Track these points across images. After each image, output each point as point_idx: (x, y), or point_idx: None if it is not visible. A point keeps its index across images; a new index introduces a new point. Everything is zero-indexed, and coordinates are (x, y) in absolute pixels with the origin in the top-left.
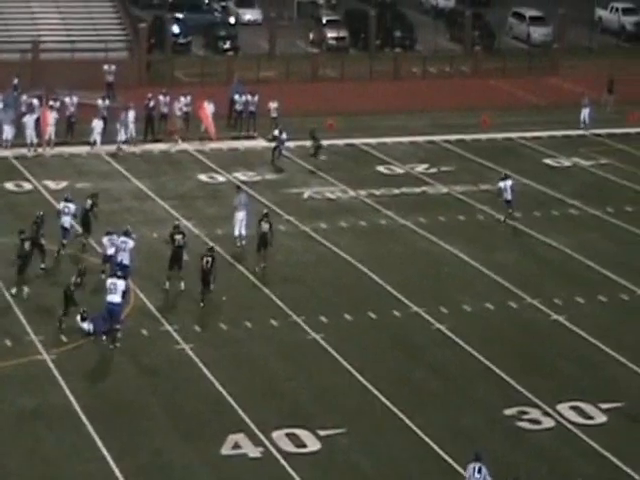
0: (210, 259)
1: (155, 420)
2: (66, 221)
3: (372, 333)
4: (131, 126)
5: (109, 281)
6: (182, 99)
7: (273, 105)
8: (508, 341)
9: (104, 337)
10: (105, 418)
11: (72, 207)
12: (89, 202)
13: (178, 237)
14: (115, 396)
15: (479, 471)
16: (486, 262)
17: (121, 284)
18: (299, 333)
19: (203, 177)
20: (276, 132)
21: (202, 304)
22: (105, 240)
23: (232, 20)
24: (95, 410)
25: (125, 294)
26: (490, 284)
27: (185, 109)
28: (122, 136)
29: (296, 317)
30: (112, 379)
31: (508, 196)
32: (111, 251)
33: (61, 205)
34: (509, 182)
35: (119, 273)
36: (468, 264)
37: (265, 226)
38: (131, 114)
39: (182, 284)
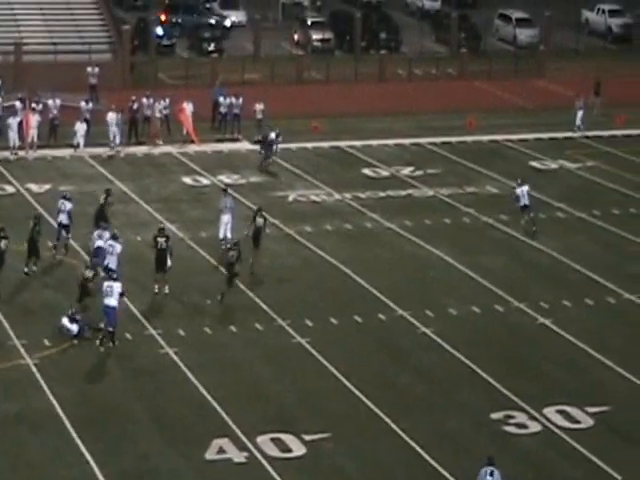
0: (236, 253)
1: (139, 424)
2: (63, 218)
3: (357, 337)
4: (109, 129)
5: (105, 284)
6: (161, 102)
7: (259, 107)
8: (494, 345)
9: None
10: (89, 422)
11: (68, 205)
12: (103, 197)
13: (161, 240)
14: (99, 400)
15: (491, 474)
16: (472, 265)
17: (117, 286)
18: (284, 337)
19: (187, 180)
20: (272, 135)
21: (219, 298)
22: (95, 233)
23: (228, 23)
24: (79, 414)
25: (122, 296)
26: (476, 287)
27: (165, 112)
28: (117, 139)
29: (281, 321)
30: (96, 383)
31: (526, 202)
32: (99, 243)
33: (59, 203)
34: (525, 187)
35: (115, 275)
36: (454, 267)
37: (260, 220)
38: (110, 117)
39: (166, 288)
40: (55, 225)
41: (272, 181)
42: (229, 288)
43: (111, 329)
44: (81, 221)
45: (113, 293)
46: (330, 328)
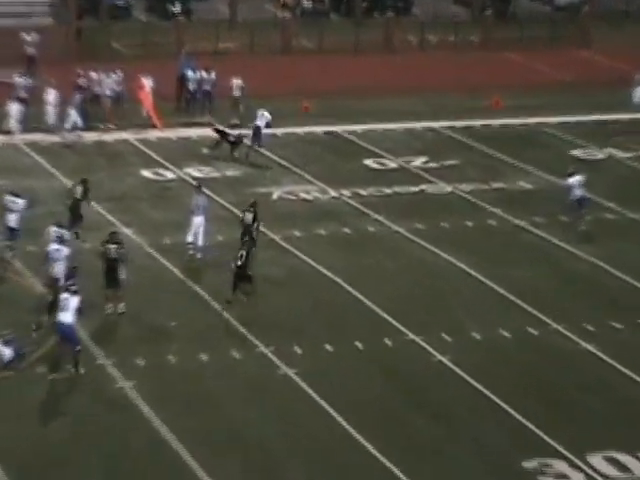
0: (245, 252)
1: (87, 477)
2: (12, 220)
3: (358, 367)
4: (50, 109)
5: (62, 296)
6: (113, 75)
7: (236, 82)
8: (527, 376)
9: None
10: (24, 474)
11: (20, 202)
12: (79, 189)
13: (111, 247)
14: (37, 447)
15: None
16: (499, 278)
17: (74, 300)
18: (267, 367)
19: (147, 173)
20: (267, 114)
21: (245, 297)
22: (52, 231)
23: None
24: (11, 464)
25: (80, 312)
26: (505, 306)
27: (117, 89)
28: (76, 121)
29: (263, 347)
30: (34, 426)
31: (579, 194)
32: (52, 247)
33: (6, 200)
34: (579, 177)
35: (73, 287)
36: (477, 281)
37: (249, 216)
38: (52, 96)
39: (121, 306)
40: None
41: (253, 174)
42: (244, 290)
43: (78, 348)
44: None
45: (69, 307)
46: (324, 356)
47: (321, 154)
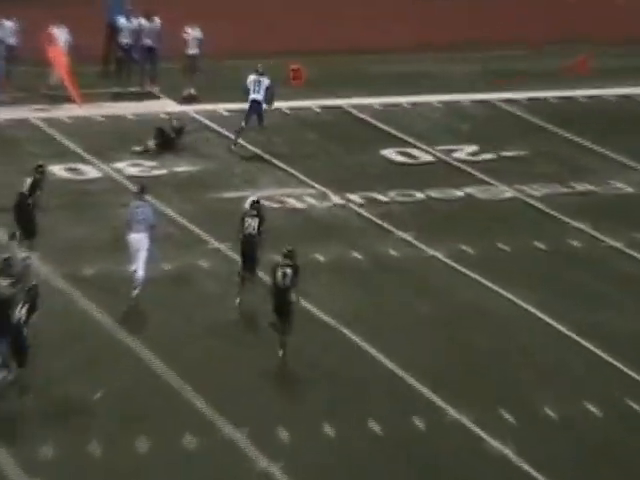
0: (289, 270)
1: None
2: None
3: (374, 459)
4: None
5: None
6: (7, 23)
7: (193, 33)
8: (629, 474)
9: None
10: None
11: None
12: (28, 181)
13: (1, 282)
14: None
15: None
16: (585, 326)
17: None
18: (239, 460)
19: (58, 170)
20: (267, 81)
21: (280, 352)
22: None
23: None
24: None
25: None
26: (593, 366)
27: (12, 42)
28: None
29: (233, 429)
30: None
31: None
32: None
33: None
34: None
35: None
36: (551, 329)
37: (253, 223)
38: None
39: (11, 368)
40: None
41: (217, 171)
42: (284, 325)
43: None
44: None
45: None
46: (323, 443)
47: (318, 140)
